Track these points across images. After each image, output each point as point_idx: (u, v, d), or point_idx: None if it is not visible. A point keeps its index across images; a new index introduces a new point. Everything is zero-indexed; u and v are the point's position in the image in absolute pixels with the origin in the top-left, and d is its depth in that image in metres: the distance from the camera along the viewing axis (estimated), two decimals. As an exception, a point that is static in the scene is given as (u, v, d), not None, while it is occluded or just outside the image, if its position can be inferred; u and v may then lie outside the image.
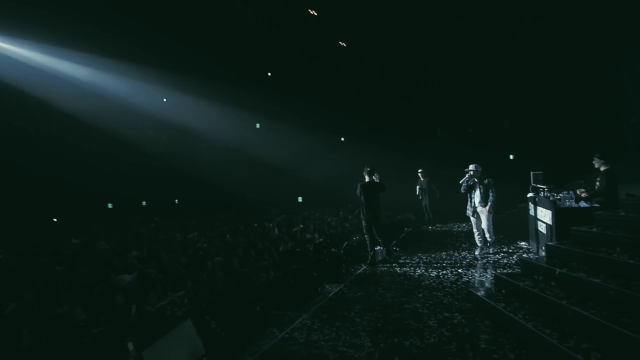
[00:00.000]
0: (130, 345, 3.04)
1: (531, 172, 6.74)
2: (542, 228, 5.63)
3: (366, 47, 15.00)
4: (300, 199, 16.90)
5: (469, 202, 6.48)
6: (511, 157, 13.44)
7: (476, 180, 6.34)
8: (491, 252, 6.30)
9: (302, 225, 8.77)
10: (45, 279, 4.82)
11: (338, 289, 4.86)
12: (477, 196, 6.34)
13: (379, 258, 6.10)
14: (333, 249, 6.05)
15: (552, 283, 3.49)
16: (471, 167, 6.43)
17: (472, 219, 6.49)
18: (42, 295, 4.16)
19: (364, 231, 6.14)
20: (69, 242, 8.18)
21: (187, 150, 16.74)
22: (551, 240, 4.93)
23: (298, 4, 12.95)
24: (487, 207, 6.19)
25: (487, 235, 6.30)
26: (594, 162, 5.11)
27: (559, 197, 5.19)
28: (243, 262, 5.47)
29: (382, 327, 3.51)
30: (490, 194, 6.21)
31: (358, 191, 6.21)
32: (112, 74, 14.11)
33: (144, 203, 16.78)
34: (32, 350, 3.07)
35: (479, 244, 6.41)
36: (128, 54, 13.09)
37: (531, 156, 11.49)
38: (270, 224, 9.24)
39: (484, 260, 5.86)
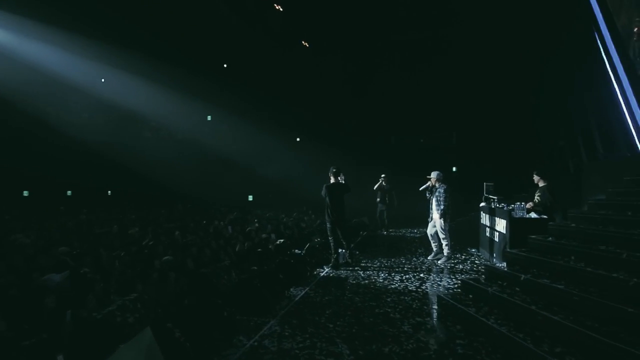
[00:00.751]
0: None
1: (484, 183, 7.20)
2: (495, 236, 5.99)
3: (329, 46, 15.09)
4: (250, 198, 16.43)
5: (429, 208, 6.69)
6: (454, 169, 14.29)
7: (436, 187, 6.55)
8: (442, 261, 6.28)
9: (257, 225, 8.41)
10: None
11: (304, 292, 4.65)
12: (433, 203, 6.54)
13: (342, 261, 6.01)
14: (296, 250, 5.82)
15: (517, 289, 3.66)
16: (433, 174, 6.62)
17: (429, 224, 6.69)
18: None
19: (329, 233, 6.02)
20: None
21: (127, 139, 15.25)
22: (505, 248, 5.25)
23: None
24: (437, 214, 6.35)
25: (443, 243, 6.47)
26: (533, 178, 5.56)
27: (512, 207, 5.55)
28: (197, 262, 5.02)
29: (357, 333, 3.39)
30: (441, 202, 6.28)
31: (323, 192, 6.08)
32: (40, 41, 12.29)
33: (68, 193, 14.96)
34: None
35: (434, 249, 6.63)
36: (66, 23, 11.57)
37: (474, 169, 12.40)
38: (222, 222, 8.74)
39: (442, 266, 6.05)
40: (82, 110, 15.48)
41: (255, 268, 4.87)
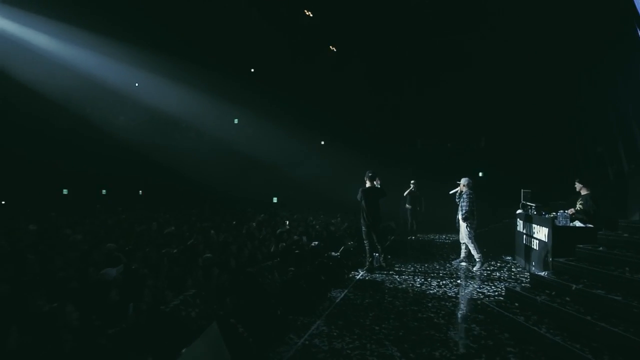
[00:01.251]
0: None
1: (522, 190, 7.06)
2: (534, 244, 5.87)
3: (355, 51, 15.14)
4: (275, 199, 16.60)
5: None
6: (480, 174, 13.99)
7: (462, 192, 6.47)
8: (476, 267, 6.20)
9: (287, 227, 8.52)
10: (17, 267, 4.23)
11: (343, 294, 4.72)
12: (460, 208, 6.47)
13: (376, 265, 6.04)
14: (332, 253, 5.89)
15: (567, 298, 3.59)
16: (462, 180, 6.57)
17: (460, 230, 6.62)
18: (15, 287, 3.63)
19: (364, 237, 6.07)
20: (25, 229, 7.31)
21: (159, 139, 15.77)
22: (547, 257, 5.15)
23: (295, 3, 12.84)
24: (460, 217, 6.35)
25: (471, 250, 6.36)
26: (575, 185, 5.42)
27: (555, 215, 5.43)
28: (237, 261, 5.18)
29: (404, 337, 3.42)
30: (463, 207, 6.30)
31: (359, 196, 6.14)
32: (84, 48, 12.98)
33: (103, 191, 15.60)
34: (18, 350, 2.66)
35: (462, 254, 6.55)
36: (106, 29, 12.17)
37: (503, 175, 12.14)
38: (253, 223, 8.91)
39: (477, 273, 5.98)
40: (119, 112, 16.13)
41: (293, 269, 4.97)
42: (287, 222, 9.40)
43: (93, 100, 14.59)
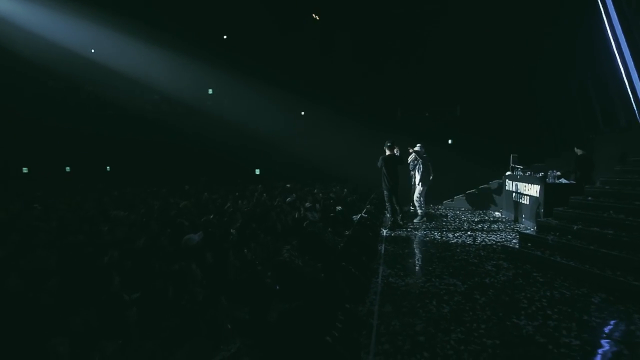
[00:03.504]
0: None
1: (511, 155, 8.23)
2: (524, 200, 7.06)
3: (338, 23, 15.34)
4: (257, 172, 16.93)
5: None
6: (450, 141, 15.09)
7: (419, 158, 7.56)
8: (416, 220, 7.50)
9: (295, 196, 9.08)
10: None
11: (382, 247, 5.59)
12: (417, 171, 7.69)
13: (400, 222, 6.98)
14: (364, 214, 6.71)
15: (569, 237, 4.71)
16: (417, 147, 7.63)
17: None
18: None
19: (386, 199, 6.93)
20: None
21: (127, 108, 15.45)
22: (539, 209, 6.33)
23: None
24: (417, 181, 7.69)
25: (418, 206, 7.64)
26: (575, 151, 6.57)
27: (544, 175, 6.58)
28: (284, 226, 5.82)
29: (455, 272, 4.36)
30: (422, 170, 7.57)
31: (380, 163, 6.90)
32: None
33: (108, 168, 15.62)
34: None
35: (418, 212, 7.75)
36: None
37: (478, 140, 13.40)
38: (264, 194, 9.41)
39: (417, 225, 7.16)
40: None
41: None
42: (293, 193, 10.00)
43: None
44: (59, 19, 13.11)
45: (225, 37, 16.86)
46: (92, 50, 14.82)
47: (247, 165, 16.22)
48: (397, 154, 7.04)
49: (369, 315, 3.24)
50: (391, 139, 7.11)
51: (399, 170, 7.03)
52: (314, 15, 15.34)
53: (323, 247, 4.78)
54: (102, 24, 13.36)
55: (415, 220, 7.49)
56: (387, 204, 6.98)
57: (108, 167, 16.13)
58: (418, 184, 7.71)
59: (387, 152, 6.98)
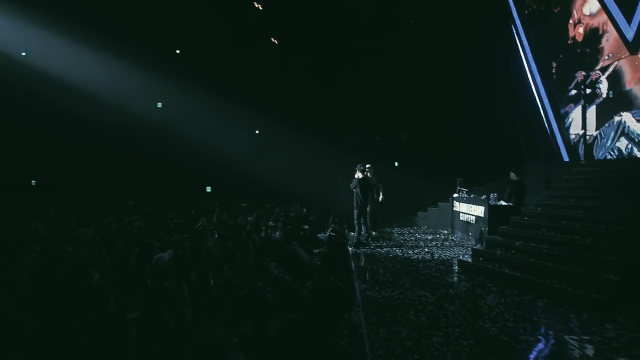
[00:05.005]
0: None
1: (457, 179, 9.21)
2: (470, 219, 7.95)
3: (296, 46, 15.98)
4: (209, 189, 16.58)
5: None
6: (396, 164, 16.22)
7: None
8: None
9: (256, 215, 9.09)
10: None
11: (352, 263, 5.94)
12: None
13: (364, 241, 7.41)
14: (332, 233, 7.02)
15: (513, 251, 5.48)
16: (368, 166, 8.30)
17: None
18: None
19: (356, 217, 7.32)
20: None
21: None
22: (484, 227, 7.19)
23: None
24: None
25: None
26: (510, 175, 7.61)
27: (486, 197, 7.51)
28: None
29: (423, 285, 4.84)
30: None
31: (353, 184, 7.32)
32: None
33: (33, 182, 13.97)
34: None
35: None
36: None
37: (422, 165, 14.61)
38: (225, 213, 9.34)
39: (434, 243, 7.84)
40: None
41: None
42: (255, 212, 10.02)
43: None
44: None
45: (178, 51, 16.63)
46: (23, 53, 13.59)
47: (198, 182, 15.82)
48: (370, 175, 7.56)
49: (357, 325, 3.51)
50: (365, 163, 7.63)
51: (369, 193, 7.54)
52: (272, 39, 15.83)
53: (301, 264, 5.00)
54: (41, 24, 12.42)
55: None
56: (355, 222, 7.37)
57: (33, 181, 14.58)
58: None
59: (359, 175, 7.43)
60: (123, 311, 2.98)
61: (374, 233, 8.48)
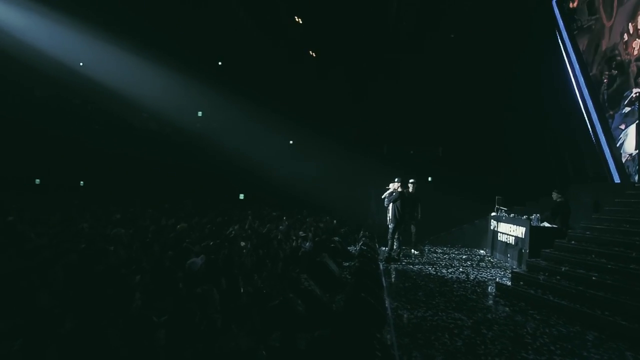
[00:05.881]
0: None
1: (496, 197, 8.80)
2: (509, 240, 7.53)
3: (335, 58, 16.15)
4: (242, 196, 16.87)
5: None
6: (429, 179, 15.77)
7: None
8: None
9: (286, 223, 9.14)
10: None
11: (384, 279, 5.77)
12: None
13: (395, 257, 7.22)
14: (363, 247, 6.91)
15: (558, 277, 5.10)
16: (391, 184, 7.90)
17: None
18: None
19: (391, 233, 7.13)
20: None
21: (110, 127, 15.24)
22: (524, 249, 6.77)
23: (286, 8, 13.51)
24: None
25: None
26: (552, 195, 7.17)
27: (527, 217, 7.10)
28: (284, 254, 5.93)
29: (458, 307, 4.60)
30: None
31: (393, 197, 7.15)
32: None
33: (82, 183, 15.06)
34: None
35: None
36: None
37: (457, 181, 14.12)
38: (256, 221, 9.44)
39: (469, 262, 7.49)
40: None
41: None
42: (285, 218, 10.07)
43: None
44: (54, 29, 13.05)
45: (220, 63, 17.34)
46: (81, 64, 14.69)
47: (232, 190, 16.19)
48: (413, 191, 7.42)
49: (388, 345, 3.37)
50: (405, 177, 7.48)
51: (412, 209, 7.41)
52: (310, 52, 16.14)
53: (331, 277, 4.93)
54: (96, 36, 13.41)
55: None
56: (390, 237, 7.17)
57: (82, 182, 15.57)
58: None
59: (399, 188, 7.27)
60: (152, 314, 3.01)
61: (415, 252, 8.22)
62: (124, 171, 14.66)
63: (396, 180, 7.38)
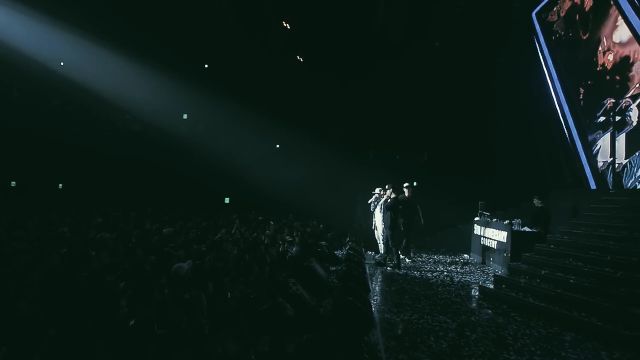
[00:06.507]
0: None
1: (479, 202, 9.02)
2: (492, 244, 7.72)
3: (322, 62, 16.24)
4: (227, 200, 16.70)
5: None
6: (415, 183, 15.94)
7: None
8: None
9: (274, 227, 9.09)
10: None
11: (371, 284, 5.84)
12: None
13: (381, 261, 7.28)
14: (349, 251, 6.96)
15: (538, 280, 5.27)
16: (377, 190, 8.12)
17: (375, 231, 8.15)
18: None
19: (387, 238, 7.17)
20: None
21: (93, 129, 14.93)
22: (506, 254, 6.96)
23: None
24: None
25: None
26: (534, 202, 7.40)
27: (509, 222, 7.30)
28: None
29: (443, 310, 4.70)
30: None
31: (389, 204, 7.19)
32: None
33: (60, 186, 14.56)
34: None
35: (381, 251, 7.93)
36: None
37: (442, 185, 14.38)
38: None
39: (453, 266, 7.64)
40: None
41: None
42: (272, 222, 10.02)
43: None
44: (33, 28, 12.73)
45: (206, 66, 17.22)
46: (62, 63, 14.33)
47: (217, 193, 16.01)
48: (408, 195, 7.50)
49: (376, 348, 3.42)
50: (392, 182, 7.54)
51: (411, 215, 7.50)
52: (297, 57, 16.21)
53: (318, 282, 4.95)
54: (78, 35, 13.16)
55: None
56: (391, 243, 7.18)
57: (60, 185, 15.12)
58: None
59: (392, 194, 7.33)
60: (151, 325, 2.94)
61: (408, 260, 7.87)
62: (105, 174, 14.32)
63: (387, 187, 7.43)
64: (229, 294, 4.18)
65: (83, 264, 4.33)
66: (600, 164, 8.78)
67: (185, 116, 17.43)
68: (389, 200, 7.28)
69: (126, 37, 13.69)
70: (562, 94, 10.60)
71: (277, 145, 17.37)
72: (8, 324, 2.55)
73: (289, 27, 13.97)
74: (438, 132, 15.33)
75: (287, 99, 16.08)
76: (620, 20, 8.16)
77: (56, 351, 2.42)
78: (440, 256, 8.92)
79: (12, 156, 12.89)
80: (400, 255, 7.43)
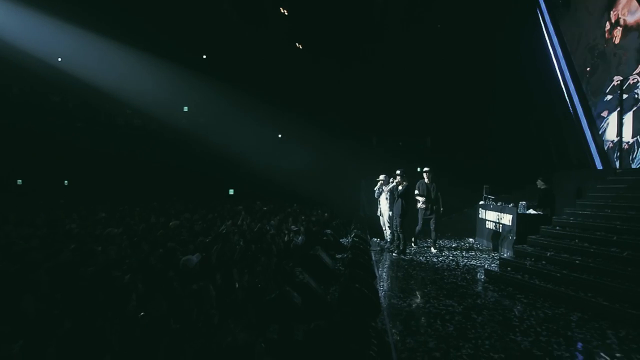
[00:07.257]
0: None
1: (484, 186, 8.98)
2: (497, 227, 7.71)
3: (321, 49, 16.04)
4: (231, 192, 16.73)
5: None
6: (419, 169, 15.89)
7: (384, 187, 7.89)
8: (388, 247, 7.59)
9: (278, 218, 9.14)
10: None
11: (377, 270, 5.88)
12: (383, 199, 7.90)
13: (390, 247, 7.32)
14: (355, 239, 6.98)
15: (543, 262, 5.28)
16: (382, 176, 8.02)
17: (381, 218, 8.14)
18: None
19: (399, 225, 7.14)
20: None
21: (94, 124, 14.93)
22: (511, 237, 6.95)
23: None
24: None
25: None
26: (537, 183, 7.35)
27: (514, 205, 7.27)
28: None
29: (449, 294, 4.74)
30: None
31: (401, 190, 7.15)
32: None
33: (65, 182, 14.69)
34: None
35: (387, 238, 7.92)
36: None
37: (446, 170, 14.31)
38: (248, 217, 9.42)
39: (459, 251, 7.66)
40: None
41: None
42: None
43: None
44: (30, 23, 12.64)
45: (204, 56, 17.07)
46: (59, 59, 14.26)
47: (221, 185, 16.07)
48: (428, 181, 7.48)
49: (383, 333, 3.46)
50: (395, 167, 7.49)
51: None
52: (297, 44, 16.01)
53: (325, 270, 5.00)
54: (75, 29, 13.07)
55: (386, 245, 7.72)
56: (400, 229, 7.14)
57: (66, 182, 15.20)
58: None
59: (400, 182, 7.27)
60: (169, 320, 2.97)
61: (434, 250, 7.57)
62: (109, 169, 14.37)
63: (398, 172, 7.36)
64: (236, 284, 4.23)
65: (92, 259, 4.40)
66: (606, 144, 8.67)
67: (185, 109, 17.36)
68: (400, 187, 7.21)
69: (123, 29, 13.57)
70: (567, 73, 10.41)
71: (280, 135, 17.33)
72: (23, 318, 2.62)
73: (286, 14, 13.71)
74: (440, 116, 15.19)
75: (288, 86, 15.96)
76: (628, -6, 7.94)
77: (71, 344, 2.48)
78: (446, 241, 8.94)
79: (17, 155, 12.97)
80: (412, 244, 7.45)
